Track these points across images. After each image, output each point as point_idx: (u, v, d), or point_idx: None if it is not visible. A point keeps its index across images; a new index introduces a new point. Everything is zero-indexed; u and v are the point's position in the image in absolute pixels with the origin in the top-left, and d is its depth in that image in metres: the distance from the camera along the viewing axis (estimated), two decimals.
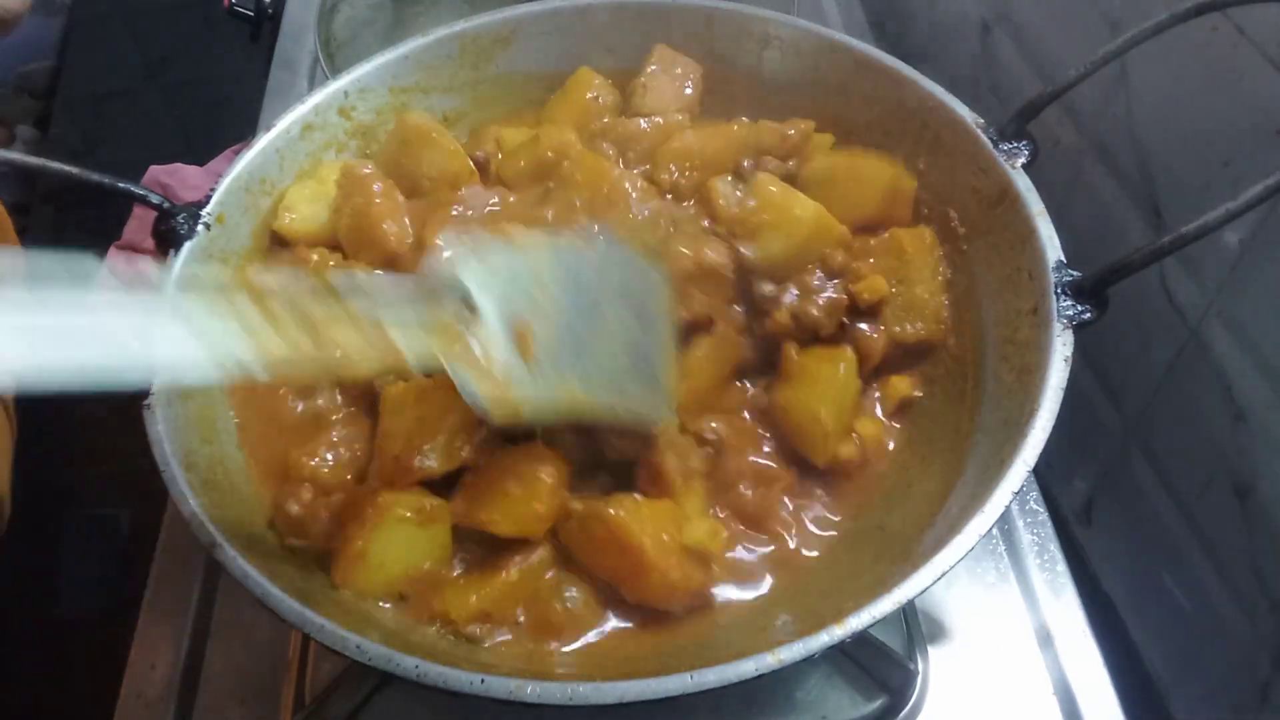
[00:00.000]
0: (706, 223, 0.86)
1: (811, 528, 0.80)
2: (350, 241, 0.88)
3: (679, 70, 1.00)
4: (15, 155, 0.79)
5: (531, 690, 0.58)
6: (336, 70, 1.09)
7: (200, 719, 0.85)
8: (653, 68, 0.99)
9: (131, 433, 0.71)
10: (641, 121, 0.95)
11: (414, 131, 0.93)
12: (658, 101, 0.98)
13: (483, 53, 1.02)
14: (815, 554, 0.78)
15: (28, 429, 0.96)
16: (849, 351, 0.82)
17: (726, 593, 0.76)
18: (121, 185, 0.81)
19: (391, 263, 0.86)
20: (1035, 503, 0.96)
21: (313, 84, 1.38)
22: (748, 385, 0.85)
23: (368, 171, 0.89)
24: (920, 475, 0.81)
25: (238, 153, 0.91)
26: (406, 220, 0.87)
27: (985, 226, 0.85)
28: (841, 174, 0.89)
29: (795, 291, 0.82)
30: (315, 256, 0.87)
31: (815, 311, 0.82)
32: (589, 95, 1.00)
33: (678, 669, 0.59)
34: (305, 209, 0.90)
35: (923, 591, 0.61)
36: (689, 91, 1.00)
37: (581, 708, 0.58)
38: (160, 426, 0.71)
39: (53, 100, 2.13)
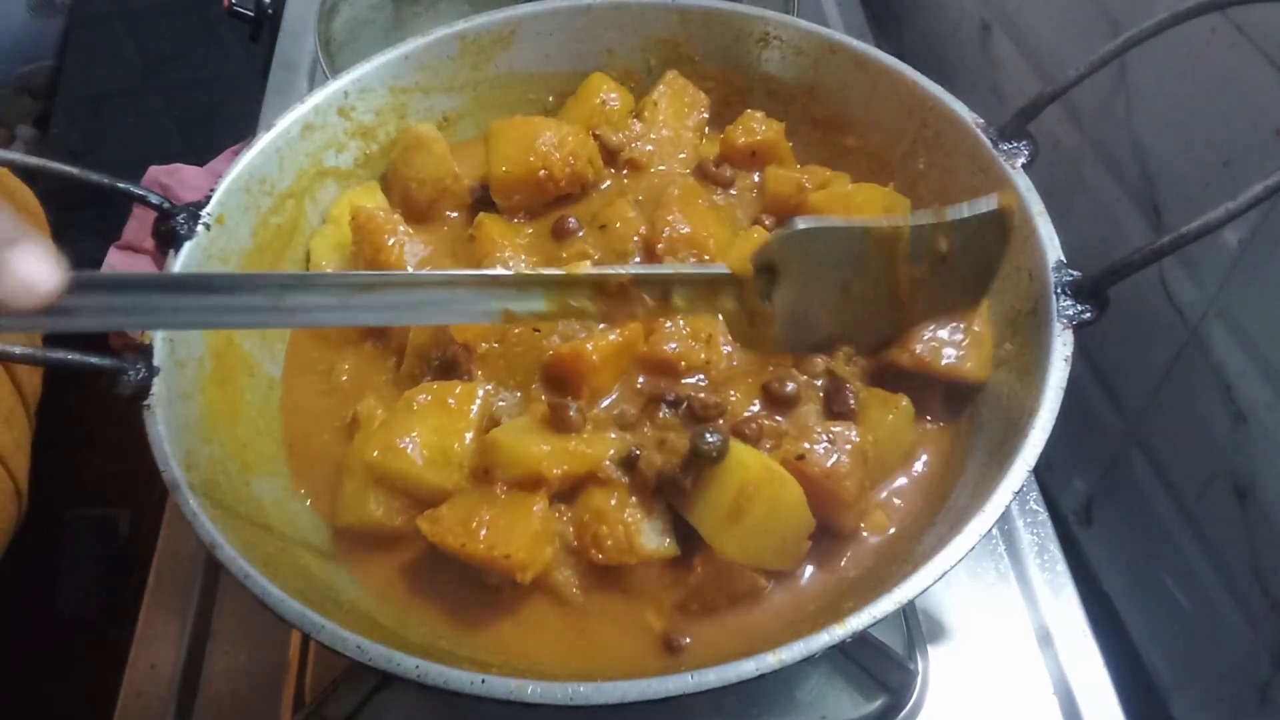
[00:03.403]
0: None
1: None
2: None
3: (688, 98, 1.01)
4: (15, 155, 0.79)
5: (532, 690, 0.58)
6: (336, 70, 1.09)
7: (200, 719, 0.85)
8: (662, 88, 1.01)
9: (132, 433, 0.71)
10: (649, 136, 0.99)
11: (413, 138, 0.96)
12: (666, 121, 1.00)
13: (483, 53, 1.02)
14: None
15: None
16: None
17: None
18: (121, 185, 0.81)
19: None
20: (1035, 503, 0.96)
21: (313, 84, 1.38)
22: None
23: (377, 216, 0.90)
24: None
25: (238, 153, 0.91)
26: (410, 263, 0.91)
27: None
28: (836, 207, 0.89)
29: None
30: None
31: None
32: (599, 99, 1.01)
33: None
34: (336, 259, 0.94)
35: (923, 591, 0.61)
36: (693, 121, 1.01)
37: (581, 708, 0.58)
38: (160, 426, 0.72)
39: (53, 100, 2.12)
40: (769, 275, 0.73)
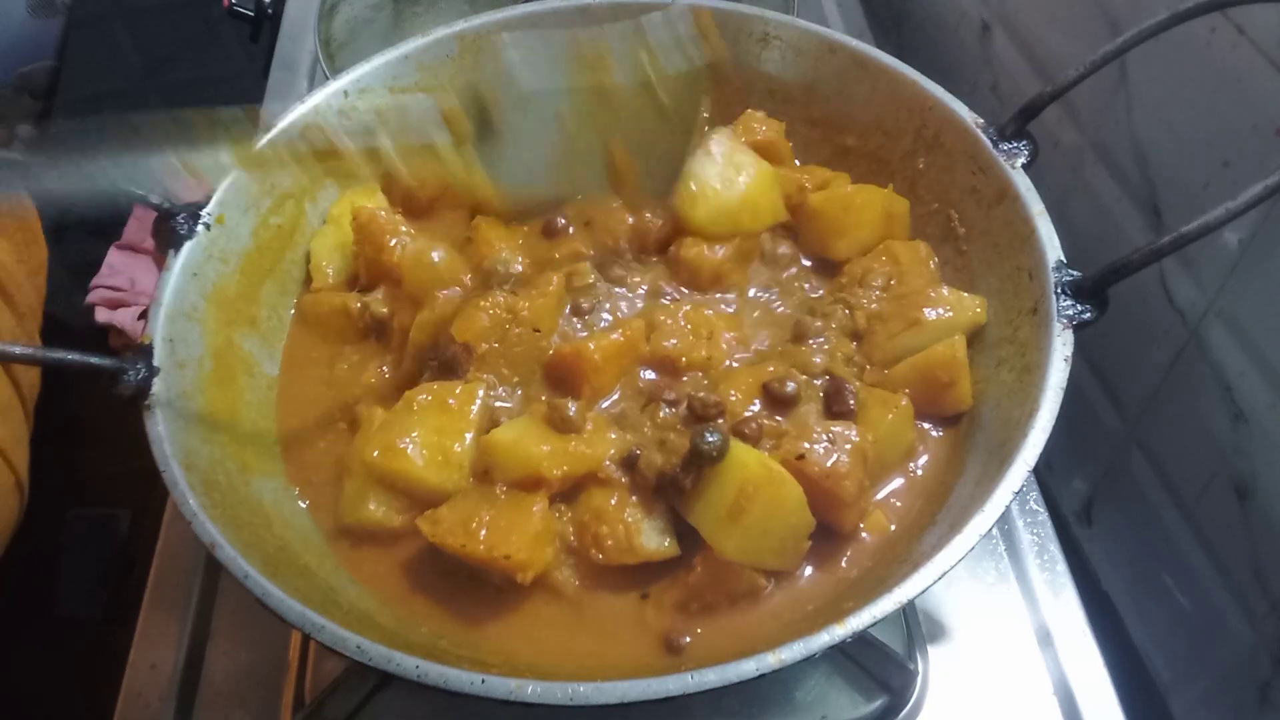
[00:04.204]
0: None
1: None
2: (368, 280, 0.92)
3: None
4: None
5: (532, 690, 0.58)
6: (336, 70, 1.09)
7: (200, 719, 0.85)
8: None
9: (132, 433, 0.71)
10: None
11: None
12: None
13: (483, 53, 1.02)
14: None
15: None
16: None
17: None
18: None
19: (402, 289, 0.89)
20: (1035, 503, 0.96)
21: (313, 84, 1.38)
22: None
23: (379, 216, 0.90)
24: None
25: None
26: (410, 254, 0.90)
27: (985, 226, 0.85)
28: (836, 208, 0.89)
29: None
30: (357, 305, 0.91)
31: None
32: None
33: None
34: (337, 259, 0.94)
35: (923, 591, 0.61)
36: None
37: (581, 708, 0.58)
38: (160, 427, 0.72)
39: (53, 100, 2.12)
40: (481, 119, 0.71)
